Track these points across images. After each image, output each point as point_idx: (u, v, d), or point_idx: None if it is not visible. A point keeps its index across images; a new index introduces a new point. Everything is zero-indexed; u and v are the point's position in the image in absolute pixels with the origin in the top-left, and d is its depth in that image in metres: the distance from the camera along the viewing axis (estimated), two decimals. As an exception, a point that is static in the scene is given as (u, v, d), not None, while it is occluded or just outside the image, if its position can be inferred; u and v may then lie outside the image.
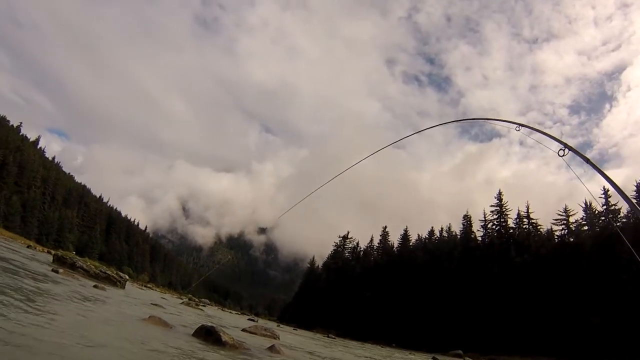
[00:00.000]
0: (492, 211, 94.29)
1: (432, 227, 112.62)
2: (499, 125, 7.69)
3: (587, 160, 5.42)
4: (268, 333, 21.11)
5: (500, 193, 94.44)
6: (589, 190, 6.34)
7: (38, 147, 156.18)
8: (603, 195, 72.87)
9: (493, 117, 7.94)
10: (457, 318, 75.89)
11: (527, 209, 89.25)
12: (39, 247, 76.03)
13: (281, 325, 63.39)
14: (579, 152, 5.66)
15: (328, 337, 57.90)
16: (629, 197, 5.11)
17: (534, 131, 6.94)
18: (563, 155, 5.81)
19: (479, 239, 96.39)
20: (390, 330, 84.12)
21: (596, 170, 5.38)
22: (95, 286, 21.35)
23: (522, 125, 7.16)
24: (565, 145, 5.81)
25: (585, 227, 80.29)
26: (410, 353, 50.54)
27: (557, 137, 6.22)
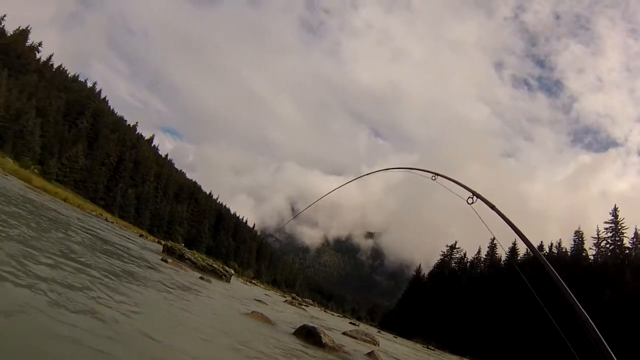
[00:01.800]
0: (606, 228, 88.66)
1: (542, 242, 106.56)
2: (419, 175, 7.69)
3: (493, 207, 5.42)
4: (368, 339, 20.96)
5: (616, 209, 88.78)
6: (494, 234, 6.19)
7: (152, 145, 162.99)
8: None
9: (413, 167, 8.01)
10: (561, 341, 72.65)
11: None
12: (150, 237, 78.95)
13: (382, 332, 62.92)
14: (486, 200, 5.83)
15: (427, 347, 57.22)
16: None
17: (449, 180, 6.93)
18: (472, 203, 5.93)
19: (591, 257, 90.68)
20: (491, 346, 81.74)
21: (502, 217, 5.31)
22: (200, 278, 21.89)
23: (437, 175, 7.24)
24: (474, 194, 5.95)
25: None
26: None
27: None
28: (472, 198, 5.79)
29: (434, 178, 7.15)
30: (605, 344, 3.15)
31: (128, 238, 35.82)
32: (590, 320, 3.27)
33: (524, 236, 4.82)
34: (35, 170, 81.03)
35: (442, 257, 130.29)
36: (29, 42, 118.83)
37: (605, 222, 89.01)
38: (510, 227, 5.05)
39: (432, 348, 62.33)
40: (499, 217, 5.61)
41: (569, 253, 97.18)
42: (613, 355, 3.18)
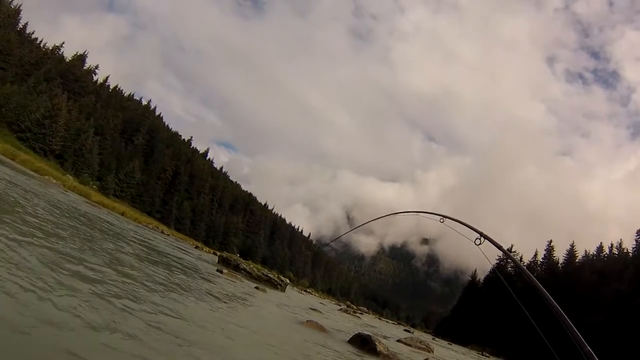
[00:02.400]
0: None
1: (601, 243, 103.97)
2: (428, 218, 7.74)
3: (500, 248, 5.48)
4: (423, 346, 21.00)
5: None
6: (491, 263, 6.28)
7: (207, 158, 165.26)
8: None
9: (421, 210, 8.09)
10: (624, 346, 70.47)
11: None
12: (206, 248, 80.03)
13: (436, 339, 62.52)
14: (494, 241, 5.85)
15: (482, 354, 56.64)
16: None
17: (456, 222, 6.97)
18: (479, 244, 5.89)
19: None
20: (547, 352, 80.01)
21: (508, 257, 5.44)
22: (256, 287, 22.25)
23: (445, 217, 7.22)
24: (482, 234, 5.90)
25: None
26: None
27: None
28: (479, 239, 5.93)
29: (442, 221, 7.25)
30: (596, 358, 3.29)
31: (184, 250, 36.50)
32: (581, 336, 3.40)
33: (528, 272, 4.96)
34: (94, 186, 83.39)
35: (498, 261, 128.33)
36: (87, 65, 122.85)
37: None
38: (517, 265, 5.27)
39: (487, 355, 61.66)
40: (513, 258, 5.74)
41: (630, 254, 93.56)
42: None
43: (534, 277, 4.76)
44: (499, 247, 5.60)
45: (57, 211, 18.08)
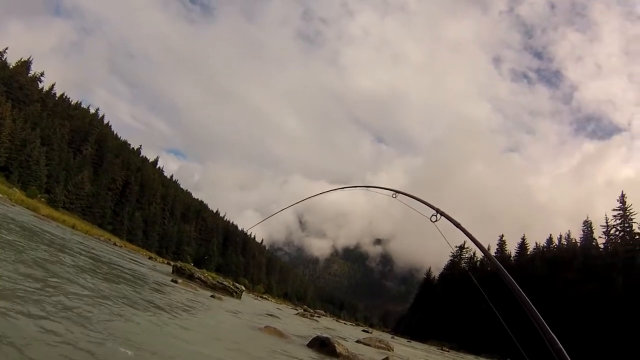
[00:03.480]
0: (614, 215, 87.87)
1: (550, 235, 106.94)
2: (379, 193, 7.66)
3: (458, 225, 5.40)
4: (382, 345, 21.01)
5: (623, 195, 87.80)
6: (451, 245, 6.20)
7: (157, 166, 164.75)
8: None
9: (372, 185, 7.94)
10: (577, 332, 71.96)
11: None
12: (159, 259, 79.48)
13: (395, 337, 62.84)
14: (450, 218, 5.73)
15: (442, 349, 57.14)
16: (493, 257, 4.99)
17: (410, 198, 6.87)
18: (435, 221, 5.79)
19: (601, 246, 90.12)
20: (506, 343, 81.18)
21: (465, 234, 5.33)
22: (212, 296, 22.09)
23: (398, 192, 7.15)
24: (438, 211, 5.82)
25: None
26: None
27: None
28: (435, 216, 5.79)
29: (394, 196, 7.11)
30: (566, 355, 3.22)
31: (136, 261, 36.00)
32: (551, 331, 3.33)
33: (488, 252, 4.87)
34: (42, 199, 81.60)
35: (452, 258, 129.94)
36: (31, 72, 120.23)
37: (614, 209, 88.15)
38: (474, 244, 5.12)
39: (447, 349, 62.18)
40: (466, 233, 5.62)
41: (578, 244, 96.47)
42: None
43: (497, 261, 4.65)
44: (456, 224, 5.49)
45: (8, 227, 17.60)
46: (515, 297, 3.74)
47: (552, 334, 3.27)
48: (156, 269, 33.79)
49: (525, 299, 3.70)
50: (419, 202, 6.60)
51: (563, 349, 3.14)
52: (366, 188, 7.96)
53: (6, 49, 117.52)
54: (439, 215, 5.69)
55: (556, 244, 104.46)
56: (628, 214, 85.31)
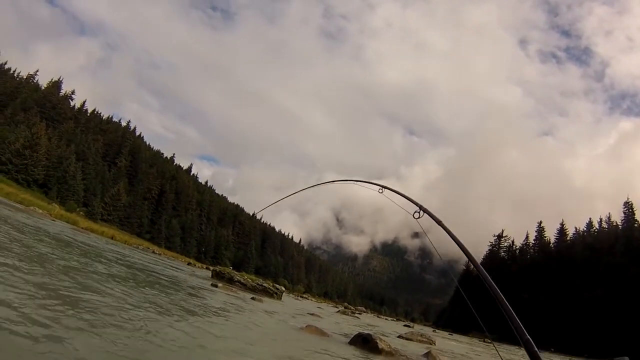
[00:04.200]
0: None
1: (590, 219, 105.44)
2: (367, 188, 7.54)
3: (439, 223, 5.29)
4: (424, 339, 21.02)
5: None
6: (432, 242, 6.06)
7: (191, 174, 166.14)
8: None
9: (359, 179, 7.83)
10: (623, 319, 70.61)
11: None
12: (198, 264, 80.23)
13: (437, 331, 62.59)
14: (433, 215, 5.55)
15: (484, 341, 56.68)
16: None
17: (396, 194, 6.77)
18: (418, 218, 5.67)
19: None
20: (549, 333, 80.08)
21: (446, 231, 5.24)
22: (252, 298, 22.28)
23: (385, 187, 7.06)
24: (421, 208, 5.69)
25: None
26: (570, 359, 48.22)
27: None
28: (418, 212, 5.78)
29: (381, 191, 7.06)
30: (534, 346, 3.25)
31: (176, 268, 36.41)
32: (520, 323, 3.34)
33: (468, 252, 4.87)
34: (81, 213, 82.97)
35: (490, 247, 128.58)
36: (63, 91, 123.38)
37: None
38: (455, 242, 5.11)
39: (489, 341, 61.88)
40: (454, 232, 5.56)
41: (620, 226, 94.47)
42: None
43: (473, 257, 4.67)
44: (438, 222, 5.48)
45: (46, 240, 17.93)
46: (488, 289, 3.78)
47: (521, 325, 3.30)
48: (195, 274, 34.13)
49: (496, 290, 3.74)
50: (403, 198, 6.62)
51: (531, 340, 3.18)
52: (354, 182, 7.95)
53: (37, 71, 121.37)
54: (422, 212, 5.70)
55: (597, 228, 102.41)
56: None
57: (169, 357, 6.06)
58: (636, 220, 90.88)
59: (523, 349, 3.18)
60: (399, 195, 6.57)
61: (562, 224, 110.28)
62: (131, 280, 14.00)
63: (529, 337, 3.27)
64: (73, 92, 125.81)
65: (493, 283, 3.87)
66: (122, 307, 8.39)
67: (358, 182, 7.85)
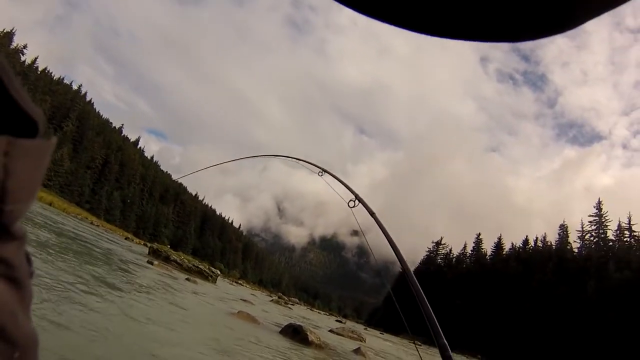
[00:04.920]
0: (590, 221, 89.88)
1: (527, 237, 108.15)
2: (307, 168, 7.52)
3: (373, 215, 5.30)
4: (355, 335, 21.11)
5: (599, 202, 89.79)
6: (367, 241, 6.08)
7: (138, 147, 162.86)
8: None
9: (299, 157, 7.76)
10: (548, 332, 72.88)
11: (629, 221, 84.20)
12: (136, 240, 79.12)
13: (368, 329, 63.25)
14: (367, 206, 5.55)
15: (413, 343, 57.50)
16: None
17: (335, 179, 6.77)
18: (353, 207, 5.70)
19: (575, 250, 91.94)
20: (478, 340, 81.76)
21: (379, 225, 5.25)
22: (187, 279, 22.06)
23: (325, 171, 7.08)
24: (357, 197, 5.72)
25: None
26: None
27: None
28: (353, 201, 5.71)
29: (320, 174, 6.98)
30: (449, 350, 3.24)
31: (114, 241, 35.74)
32: (439, 329, 3.32)
33: (396, 246, 4.80)
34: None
35: (428, 253, 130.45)
36: (14, 44, 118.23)
37: (590, 216, 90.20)
38: (385, 236, 5.03)
39: (419, 343, 62.46)
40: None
41: (553, 246, 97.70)
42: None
43: (401, 254, 4.60)
44: (371, 213, 5.40)
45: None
46: (411, 288, 3.72)
47: (440, 329, 3.29)
48: (132, 249, 33.62)
49: (419, 291, 3.68)
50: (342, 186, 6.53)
51: (447, 344, 3.18)
52: (296, 160, 7.80)
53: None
54: (357, 202, 5.62)
55: (532, 246, 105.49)
56: (603, 221, 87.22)
57: (70, 345, 5.45)
58: (569, 242, 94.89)
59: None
60: (338, 182, 6.45)
61: (499, 238, 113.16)
62: (56, 248, 13.61)
63: (445, 341, 3.26)
64: (25, 47, 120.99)
65: (417, 283, 3.79)
66: (37, 275, 8.13)
67: (300, 161, 7.70)
